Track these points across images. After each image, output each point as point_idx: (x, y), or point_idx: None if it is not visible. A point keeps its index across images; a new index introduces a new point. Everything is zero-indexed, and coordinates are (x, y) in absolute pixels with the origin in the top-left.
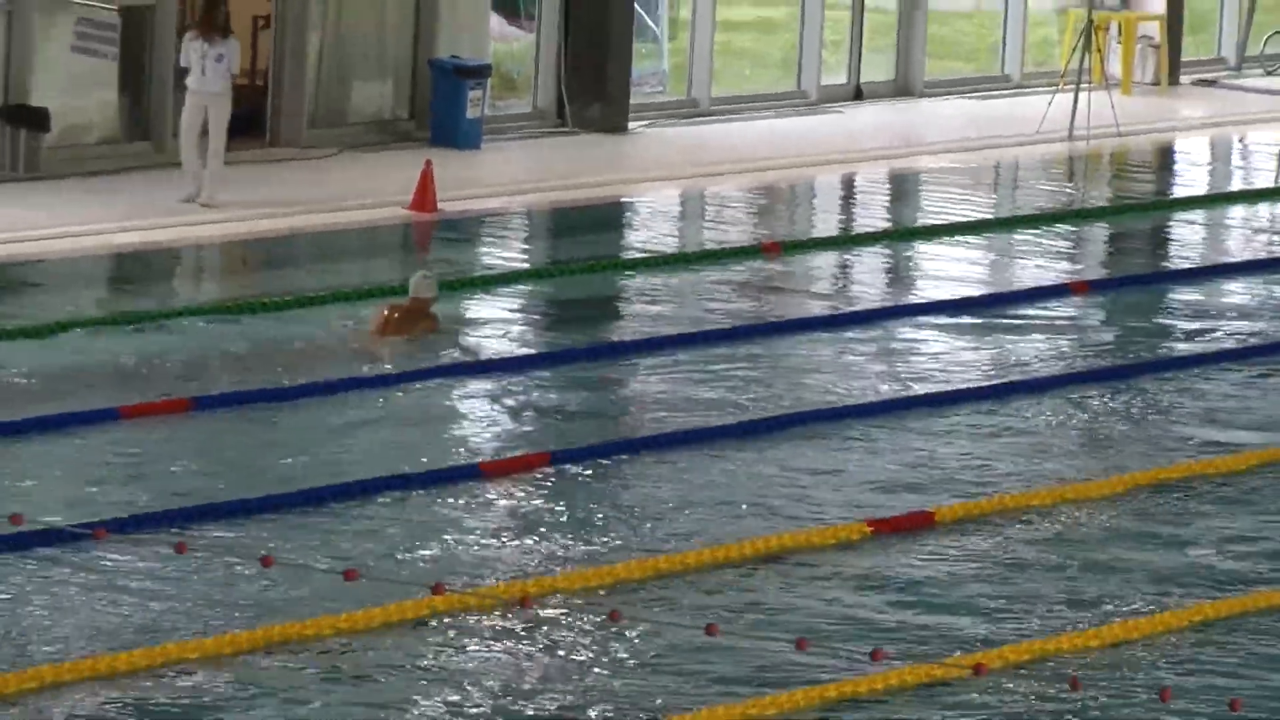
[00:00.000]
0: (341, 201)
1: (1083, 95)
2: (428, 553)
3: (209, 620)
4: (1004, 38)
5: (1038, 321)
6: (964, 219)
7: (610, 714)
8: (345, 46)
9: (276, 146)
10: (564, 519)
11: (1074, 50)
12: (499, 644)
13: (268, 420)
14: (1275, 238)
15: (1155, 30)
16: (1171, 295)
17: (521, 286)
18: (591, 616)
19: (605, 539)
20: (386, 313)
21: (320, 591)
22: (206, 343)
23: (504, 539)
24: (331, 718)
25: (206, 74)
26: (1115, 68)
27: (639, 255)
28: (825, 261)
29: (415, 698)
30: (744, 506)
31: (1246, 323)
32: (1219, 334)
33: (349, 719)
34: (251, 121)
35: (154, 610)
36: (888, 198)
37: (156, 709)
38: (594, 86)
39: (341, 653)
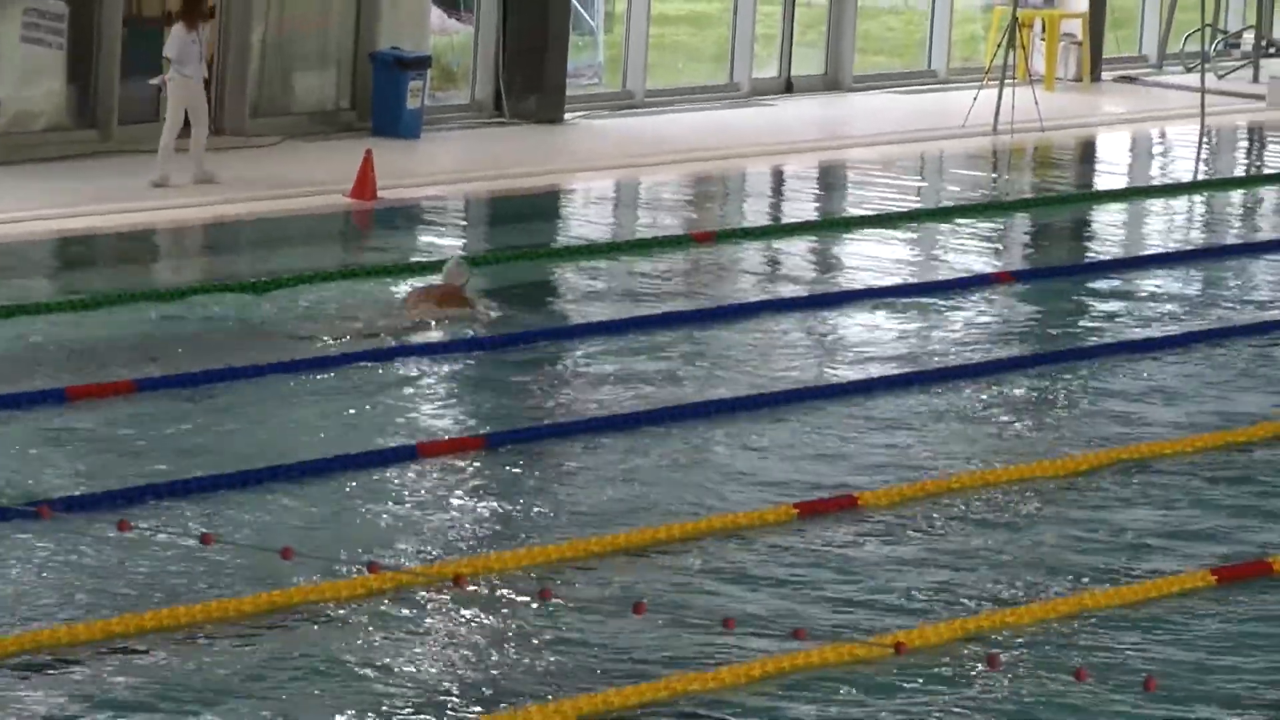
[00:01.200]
0: (284, 189)
1: (1007, 90)
2: (364, 532)
3: (151, 596)
4: (931, 34)
5: (963, 310)
6: (891, 210)
7: (540, 690)
8: (288, 38)
9: (221, 135)
10: (497, 500)
11: (999, 46)
12: (432, 621)
13: (211, 402)
14: (1194, 230)
15: (1078, 28)
16: (1093, 285)
17: None
18: (523, 595)
19: (537, 520)
20: (420, 293)
21: (259, 569)
22: (152, 326)
23: (439, 519)
24: (269, 692)
25: (200, 60)
26: (1039, 64)
27: (574, 243)
28: (756, 250)
29: (350, 673)
30: (673, 489)
31: (1167, 313)
32: (1140, 323)
33: (286, 693)
34: None
35: (97, 586)
36: (817, 188)
37: (100, 683)
38: (531, 78)
39: (279, 628)
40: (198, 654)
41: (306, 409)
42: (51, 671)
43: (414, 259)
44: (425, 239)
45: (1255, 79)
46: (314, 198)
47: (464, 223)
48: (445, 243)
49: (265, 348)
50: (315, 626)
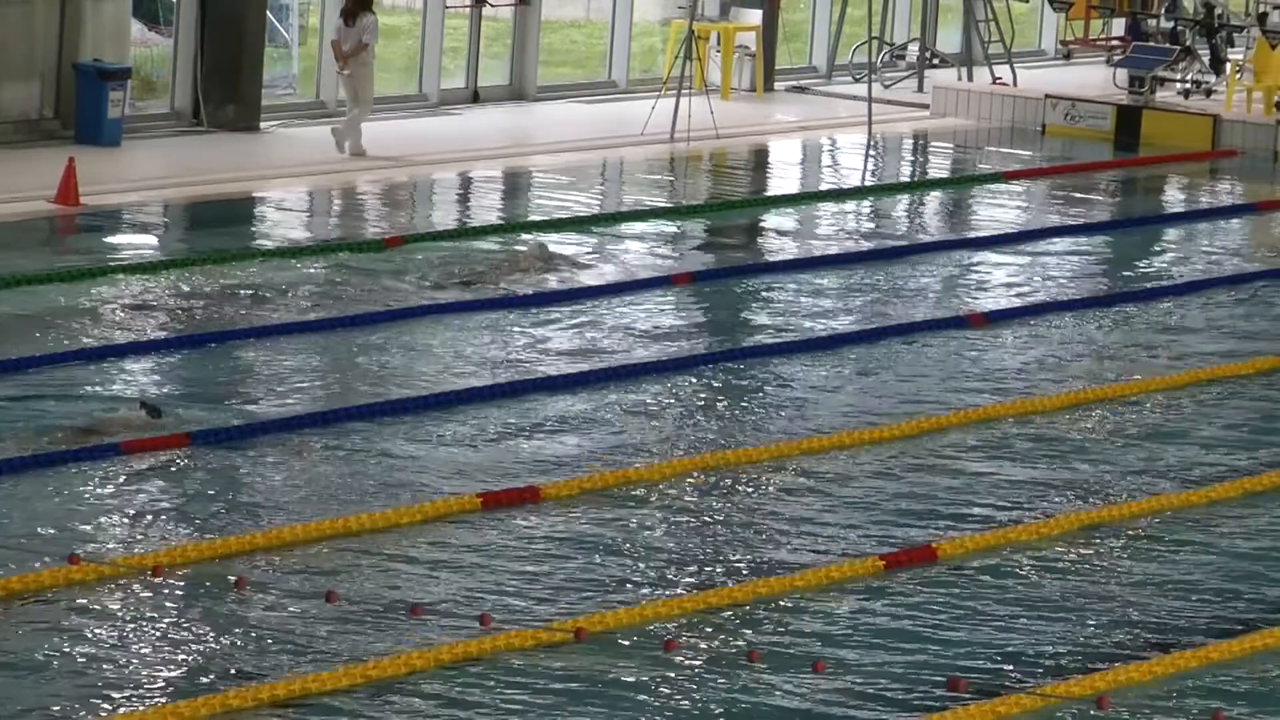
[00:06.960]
0: None
1: (684, 100)
2: (68, 525)
3: None
4: (611, 46)
5: (642, 309)
6: (573, 214)
7: (236, 676)
8: None
9: None
10: (199, 495)
11: (676, 58)
12: (131, 611)
13: None
14: (862, 232)
15: (753, 40)
16: (765, 285)
17: (158, 275)
18: (219, 584)
19: (236, 513)
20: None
21: None
22: None
23: (141, 513)
24: None
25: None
26: (715, 75)
27: (268, 247)
28: (444, 253)
29: (51, 660)
30: (366, 482)
31: (836, 311)
32: (810, 321)
33: None
34: None
35: None
36: (502, 194)
37: None
38: (228, 88)
39: None
40: None
41: (11, 408)
42: None
43: (116, 261)
44: (127, 242)
45: (920, 89)
46: (19, 204)
47: (164, 227)
48: (146, 246)
49: None
50: (13, 618)
